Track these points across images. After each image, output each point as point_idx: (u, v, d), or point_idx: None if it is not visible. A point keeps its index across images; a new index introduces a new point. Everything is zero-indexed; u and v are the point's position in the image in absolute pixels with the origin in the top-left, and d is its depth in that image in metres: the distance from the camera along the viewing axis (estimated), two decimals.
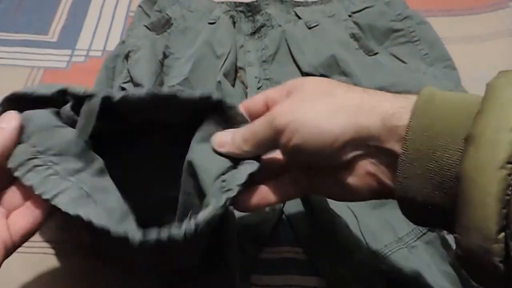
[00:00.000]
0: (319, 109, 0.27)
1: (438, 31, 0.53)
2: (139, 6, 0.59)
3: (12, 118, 0.28)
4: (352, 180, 0.28)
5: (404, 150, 0.24)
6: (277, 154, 0.32)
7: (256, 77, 0.52)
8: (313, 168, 0.30)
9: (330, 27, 0.54)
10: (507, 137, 0.19)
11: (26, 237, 0.28)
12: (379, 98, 0.27)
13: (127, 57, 0.52)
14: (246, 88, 0.51)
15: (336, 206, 0.41)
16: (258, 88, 0.51)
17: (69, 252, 0.42)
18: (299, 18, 0.56)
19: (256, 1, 0.58)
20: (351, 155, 0.27)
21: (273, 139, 0.28)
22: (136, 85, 0.48)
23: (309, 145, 0.27)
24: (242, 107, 0.32)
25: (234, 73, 0.52)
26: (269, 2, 0.58)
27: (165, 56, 0.53)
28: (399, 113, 0.25)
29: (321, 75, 0.51)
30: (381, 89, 0.47)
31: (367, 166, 0.27)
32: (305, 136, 0.27)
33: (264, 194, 0.31)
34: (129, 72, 0.50)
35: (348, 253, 0.39)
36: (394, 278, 0.38)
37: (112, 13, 0.65)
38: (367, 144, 0.26)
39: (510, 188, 0.19)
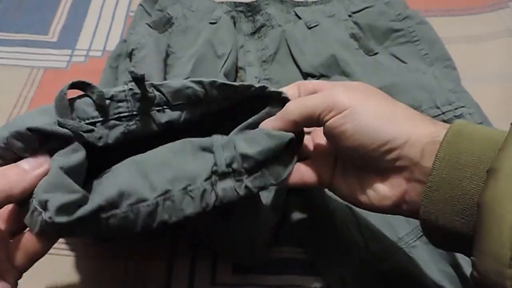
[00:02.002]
0: (383, 109, 0.28)
1: (438, 31, 0.53)
2: (140, 5, 0.59)
3: (41, 164, 0.28)
4: (383, 188, 0.29)
5: (431, 177, 0.25)
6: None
7: (256, 77, 0.52)
8: (342, 162, 0.31)
9: (330, 27, 0.54)
10: None
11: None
12: (430, 120, 0.28)
13: (130, 55, 0.52)
14: None
15: (336, 206, 0.41)
16: None
17: (69, 253, 0.42)
18: (299, 18, 0.56)
19: (256, 1, 0.58)
20: (390, 164, 0.28)
21: (321, 113, 0.28)
22: None
23: (359, 136, 0.27)
24: (296, 87, 0.32)
25: (234, 73, 0.52)
26: (269, 2, 0.58)
27: (167, 55, 0.53)
28: (441, 137, 0.26)
29: (321, 75, 0.51)
30: (381, 89, 0.47)
31: (402, 180, 0.28)
32: (360, 127, 0.27)
33: (303, 173, 0.32)
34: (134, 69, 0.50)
35: (348, 253, 0.39)
36: (394, 278, 0.38)
37: (112, 13, 0.65)
38: (409, 157, 0.27)
39: None
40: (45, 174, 0.27)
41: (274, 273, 0.41)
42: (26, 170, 0.27)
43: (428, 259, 0.38)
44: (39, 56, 0.59)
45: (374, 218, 0.40)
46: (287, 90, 0.32)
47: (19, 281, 0.38)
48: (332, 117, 0.28)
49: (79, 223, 0.25)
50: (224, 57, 0.51)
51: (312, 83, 0.32)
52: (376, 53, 0.52)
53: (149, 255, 0.42)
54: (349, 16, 0.55)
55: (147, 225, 0.27)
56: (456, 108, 0.44)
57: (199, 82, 0.30)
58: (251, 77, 0.52)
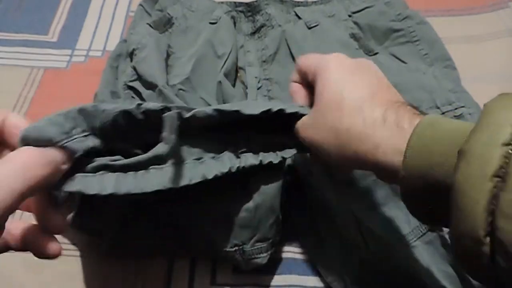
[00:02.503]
0: (329, 141, 0.30)
1: (438, 31, 0.53)
2: (140, 5, 0.59)
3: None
4: None
5: (404, 166, 0.26)
6: None
7: (256, 77, 0.52)
8: None
9: (330, 27, 0.54)
10: (496, 152, 0.21)
11: None
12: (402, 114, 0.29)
13: (131, 55, 0.52)
14: (246, 88, 0.51)
15: (337, 206, 0.41)
16: (258, 88, 0.51)
17: (69, 252, 0.42)
18: (299, 18, 0.56)
19: (256, 1, 0.58)
20: (363, 168, 0.30)
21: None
22: (146, 83, 0.48)
23: (327, 162, 0.32)
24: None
25: (234, 73, 0.52)
26: (269, 2, 0.58)
27: (167, 55, 0.53)
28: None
29: None
30: None
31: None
32: (324, 160, 0.31)
33: None
34: (135, 70, 0.50)
35: (348, 253, 0.39)
36: (394, 278, 0.38)
37: (112, 13, 0.65)
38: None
39: (495, 199, 0.21)
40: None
41: (274, 273, 0.41)
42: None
43: (428, 259, 0.38)
44: (39, 56, 0.59)
45: (374, 218, 0.40)
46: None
47: (20, 281, 0.38)
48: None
49: None
50: (224, 57, 0.51)
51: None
52: (376, 53, 0.52)
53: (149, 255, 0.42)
54: (349, 16, 0.55)
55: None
56: (456, 108, 0.44)
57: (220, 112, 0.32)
58: (251, 77, 0.52)
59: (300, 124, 0.33)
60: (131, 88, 0.49)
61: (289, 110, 0.33)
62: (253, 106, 0.33)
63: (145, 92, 0.48)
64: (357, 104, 0.29)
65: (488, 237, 0.21)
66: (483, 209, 0.21)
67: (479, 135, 0.23)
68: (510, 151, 0.21)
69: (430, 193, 0.25)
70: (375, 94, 0.30)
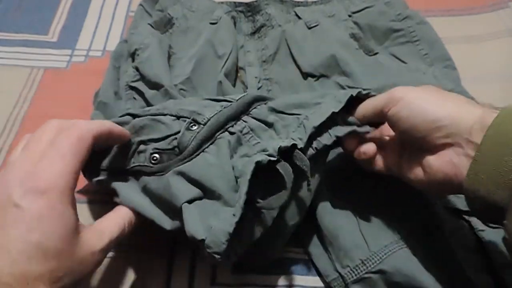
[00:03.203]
0: (431, 94, 0.34)
1: (438, 31, 0.53)
2: (141, 5, 0.59)
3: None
4: (433, 163, 0.32)
5: (478, 152, 0.29)
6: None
7: (256, 77, 0.52)
8: (407, 150, 0.36)
9: (330, 27, 0.54)
10: None
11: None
12: (484, 106, 0.32)
13: (133, 55, 0.52)
14: (247, 88, 0.51)
15: (337, 206, 0.41)
16: (258, 88, 0.51)
17: None
18: (299, 18, 0.56)
19: (256, 1, 0.58)
20: (441, 140, 0.32)
21: (383, 107, 0.35)
22: (150, 83, 0.48)
23: (411, 119, 0.33)
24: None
25: (235, 73, 0.52)
26: (269, 2, 0.58)
27: (168, 55, 0.52)
28: (490, 117, 0.29)
29: (321, 75, 0.51)
30: (381, 89, 0.47)
31: (451, 155, 0.31)
32: (410, 110, 0.33)
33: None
34: (138, 70, 0.50)
35: (348, 253, 0.39)
36: (394, 279, 0.38)
37: (112, 13, 0.65)
38: (459, 134, 0.31)
39: None
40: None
41: (274, 273, 0.41)
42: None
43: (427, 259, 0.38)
44: (39, 56, 0.59)
45: (374, 218, 0.40)
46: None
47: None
48: (390, 108, 0.35)
49: None
50: (225, 57, 0.51)
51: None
52: (376, 53, 0.52)
53: (149, 255, 0.42)
54: (349, 16, 0.55)
55: None
56: None
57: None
58: (251, 77, 0.52)
59: (396, 89, 0.36)
60: (133, 88, 0.49)
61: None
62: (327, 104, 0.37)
63: (148, 92, 0.48)
64: (458, 103, 0.32)
65: None
66: None
67: None
68: None
69: (496, 180, 0.28)
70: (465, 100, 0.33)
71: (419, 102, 0.33)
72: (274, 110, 0.39)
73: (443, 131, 0.31)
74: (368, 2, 0.56)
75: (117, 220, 0.34)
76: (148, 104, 0.47)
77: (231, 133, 0.36)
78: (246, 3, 0.58)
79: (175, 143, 0.36)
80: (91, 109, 0.49)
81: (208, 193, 0.35)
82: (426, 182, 0.34)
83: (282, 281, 0.40)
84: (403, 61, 0.51)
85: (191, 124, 0.36)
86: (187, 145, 0.36)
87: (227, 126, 0.37)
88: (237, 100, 0.38)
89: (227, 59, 0.50)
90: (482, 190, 0.28)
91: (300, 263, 0.41)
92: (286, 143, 0.34)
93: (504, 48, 0.58)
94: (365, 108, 0.38)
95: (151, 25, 0.55)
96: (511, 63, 0.57)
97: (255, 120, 0.38)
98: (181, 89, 0.48)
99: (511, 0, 0.63)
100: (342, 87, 0.49)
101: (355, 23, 0.55)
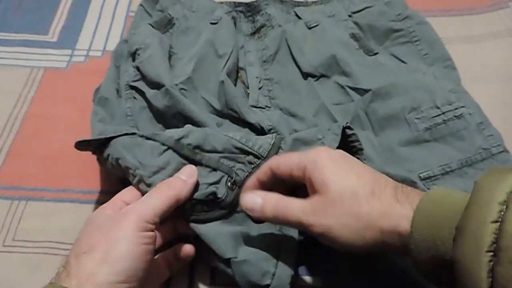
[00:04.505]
0: (349, 226, 0.31)
1: (438, 31, 0.53)
2: (141, 5, 0.59)
3: (192, 174, 0.36)
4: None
5: (411, 242, 0.28)
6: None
7: (256, 77, 0.52)
8: None
9: (330, 27, 0.54)
10: (486, 230, 0.24)
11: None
12: (393, 199, 0.31)
13: (133, 55, 0.52)
14: (247, 88, 0.51)
15: None
16: (259, 89, 0.51)
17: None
18: (299, 18, 0.56)
19: (256, 1, 0.58)
20: (375, 249, 0.31)
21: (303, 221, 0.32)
22: (151, 83, 0.48)
23: (339, 247, 0.32)
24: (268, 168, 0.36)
25: (235, 73, 0.52)
26: (269, 2, 0.58)
27: (169, 55, 0.52)
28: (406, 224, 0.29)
29: (321, 75, 0.51)
30: (381, 89, 0.47)
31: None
32: (337, 245, 0.32)
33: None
34: (138, 70, 0.50)
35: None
36: (394, 278, 0.38)
37: (112, 13, 0.65)
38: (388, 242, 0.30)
39: (491, 272, 0.23)
40: (196, 182, 0.36)
41: None
42: (185, 180, 0.36)
43: None
44: (39, 56, 0.59)
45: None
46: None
47: (20, 281, 0.38)
48: (311, 226, 0.32)
49: None
50: (225, 57, 0.51)
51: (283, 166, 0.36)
52: (376, 53, 0.52)
53: None
54: (349, 16, 0.55)
55: None
56: (456, 108, 0.44)
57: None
58: (252, 77, 0.52)
59: (301, 213, 0.32)
60: (133, 87, 0.49)
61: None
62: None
63: (149, 92, 0.48)
64: (368, 189, 0.31)
65: None
66: (484, 282, 0.23)
67: (471, 213, 0.25)
68: (498, 227, 0.23)
69: (437, 264, 0.27)
70: (376, 178, 0.32)
71: (342, 240, 0.31)
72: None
73: (375, 248, 0.31)
74: (368, 2, 0.56)
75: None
76: (149, 103, 0.47)
77: None
78: (246, 3, 0.58)
79: (209, 190, 0.37)
80: (91, 109, 0.49)
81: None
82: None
83: None
84: (403, 61, 0.51)
85: (231, 184, 0.38)
86: (231, 201, 0.37)
87: None
88: (266, 154, 0.39)
89: (228, 59, 0.50)
90: (429, 278, 0.29)
91: (300, 263, 0.41)
92: None
93: (504, 48, 0.58)
94: (280, 218, 0.34)
95: (151, 25, 0.55)
96: (511, 63, 0.57)
97: None
98: (182, 88, 0.48)
99: (511, 0, 0.63)
100: (342, 87, 0.49)
101: (355, 23, 0.55)
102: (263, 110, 0.49)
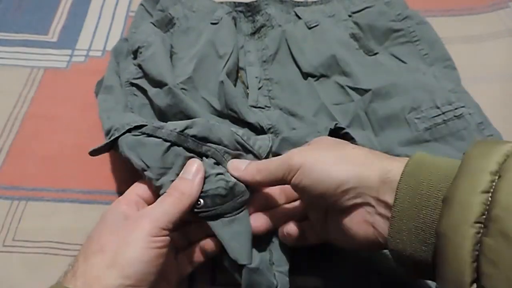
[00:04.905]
0: (329, 157, 0.32)
1: (438, 31, 0.53)
2: (141, 4, 0.59)
3: (198, 170, 0.35)
4: (350, 224, 0.32)
5: (394, 208, 0.27)
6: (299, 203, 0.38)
7: (256, 77, 0.52)
8: (323, 213, 0.34)
9: (330, 27, 0.54)
10: (476, 200, 0.23)
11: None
12: (381, 156, 0.32)
13: (135, 53, 0.52)
14: (247, 88, 0.51)
15: None
16: (258, 88, 0.51)
17: (69, 252, 0.42)
18: (299, 18, 0.56)
19: (256, 1, 0.58)
20: (351, 202, 0.31)
21: (283, 176, 0.33)
22: (153, 81, 0.48)
23: (316, 186, 0.31)
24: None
25: (235, 73, 0.52)
26: (269, 2, 0.58)
27: (170, 55, 0.52)
28: (395, 171, 0.29)
29: (321, 75, 0.51)
30: (381, 89, 0.47)
31: (364, 214, 0.31)
32: (313, 178, 0.31)
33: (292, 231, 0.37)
34: (140, 67, 0.50)
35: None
36: (393, 279, 0.38)
37: (112, 13, 0.65)
38: (366, 194, 0.30)
39: (478, 244, 0.22)
40: (203, 178, 0.35)
41: None
42: (192, 180, 0.35)
43: None
44: (39, 56, 0.59)
45: None
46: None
47: (20, 281, 0.38)
48: (292, 177, 0.32)
49: None
50: (226, 57, 0.51)
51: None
52: (376, 53, 0.52)
53: None
54: (349, 16, 0.55)
55: None
56: (456, 108, 0.44)
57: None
58: (252, 77, 0.52)
59: (293, 153, 0.34)
60: (134, 85, 0.49)
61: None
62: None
63: (151, 90, 0.48)
64: (358, 159, 0.32)
65: (475, 283, 0.22)
66: (468, 255, 0.22)
67: (460, 183, 0.24)
68: (489, 198, 0.22)
69: (418, 236, 0.26)
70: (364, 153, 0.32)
71: (319, 168, 0.31)
72: None
73: (351, 193, 0.30)
74: (368, 2, 0.55)
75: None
76: (151, 101, 0.47)
77: None
78: (246, 3, 0.58)
79: (221, 183, 0.36)
80: (91, 109, 0.49)
81: None
82: (352, 243, 0.33)
83: None
84: (403, 61, 0.51)
85: None
86: (243, 191, 0.36)
87: None
88: (265, 155, 0.39)
89: (228, 59, 0.50)
90: (408, 250, 0.27)
91: (300, 263, 0.41)
92: None
93: (504, 48, 0.58)
94: (262, 176, 0.35)
95: (153, 24, 0.55)
96: (511, 63, 0.57)
97: None
98: (182, 88, 0.48)
99: (511, 0, 0.63)
100: (342, 87, 0.49)
101: (355, 23, 0.55)
102: (263, 110, 0.49)
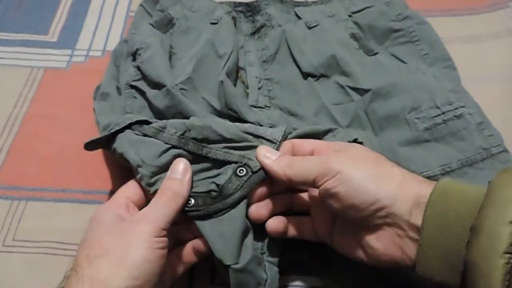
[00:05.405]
0: (369, 170, 0.31)
1: (438, 31, 0.53)
2: (141, 5, 0.59)
3: (186, 170, 0.36)
4: (375, 244, 0.31)
5: (422, 235, 0.28)
6: (304, 195, 0.37)
7: (256, 77, 0.52)
8: (331, 219, 0.34)
9: (330, 27, 0.54)
10: (504, 230, 0.23)
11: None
12: (417, 178, 0.31)
13: (134, 55, 0.52)
14: (247, 88, 0.51)
15: None
16: (258, 88, 0.51)
17: (68, 252, 0.42)
18: (299, 18, 0.56)
19: (256, 1, 0.58)
20: (381, 220, 0.30)
21: (317, 177, 0.32)
22: (152, 83, 0.48)
23: (350, 197, 0.31)
24: (290, 143, 0.37)
25: (235, 73, 0.52)
26: (269, 2, 0.58)
27: (169, 55, 0.52)
28: (426, 194, 0.29)
29: (321, 75, 0.51)
30: (381, 89, 0.47)
31: (393, 235, 0.30)
32: (350, 188, 0.31)
33: (280, 222, 0.36)
34: (139, 69, 0.50)
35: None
36: (394, 279, 0.38)
37: (112, 13, 0.65)
38: (399, 216, 0.30)
39: (509, 275, 0.22)
40: (191, 177, 0.36)
41: None
42: (181, 180, 0.35)
43: None
44: (39, 56, 0.59)
45: None
46: (281, 149, 0.37)
47: (20, 281, 0.38)
48: (326, 181, 0.32)
49: None
50: (225, 57, 0.50)
51: (307, 144, 0.37)
52: (376, 53, 0.52)
53: None
54: (349, 16, 0.55)
55: None
56: (456, 108, 0.44)
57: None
58: (252, 77, 0.52)
59: (334, 157, 0.33)
60: (133, 87, 0.49)
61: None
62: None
63: (150, 92, 0.48)
64: (395, 178, 0.31)
65: None
66: (498, 285, 0.22)
67: (488, 213, 0.24)
68: None
69: (446, 264, 0.27)
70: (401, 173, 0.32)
71: (358, 180, 0.31)
72: None
73: (383, 212, 0.30)
74: (368, 2, 0.55)
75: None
76: (149, 103, 0.47)
77: None
78: (246, 3, 0.58)
79: (212, 186, 0.36)
80: (91, 109, 0.49)
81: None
82: (367, 260, 0.33)
83: (282, 281, 0.40)
84: (403, 61, 0.51)
85: (240, 169, 0.36)
86: (231, 193, 0.36)
87: None
88: (280, 138, 0.38)
89: (228, 59, 0.50)
90: (437, 278, 0.27)
91: (300, 263, 0.41)
92: None
93: (504, 48, 0.58)
94: (294, 172, 0.34)
95: (152, 25, 0.55)
96: (511, 63, 0.57)
97: None
98: (182, 88, 0.48)
99: (511, 0, 0.63)
100: (342, 87, 0.49)
101: (355, 23, 0.55)
102: (263, 110, 0.49)
